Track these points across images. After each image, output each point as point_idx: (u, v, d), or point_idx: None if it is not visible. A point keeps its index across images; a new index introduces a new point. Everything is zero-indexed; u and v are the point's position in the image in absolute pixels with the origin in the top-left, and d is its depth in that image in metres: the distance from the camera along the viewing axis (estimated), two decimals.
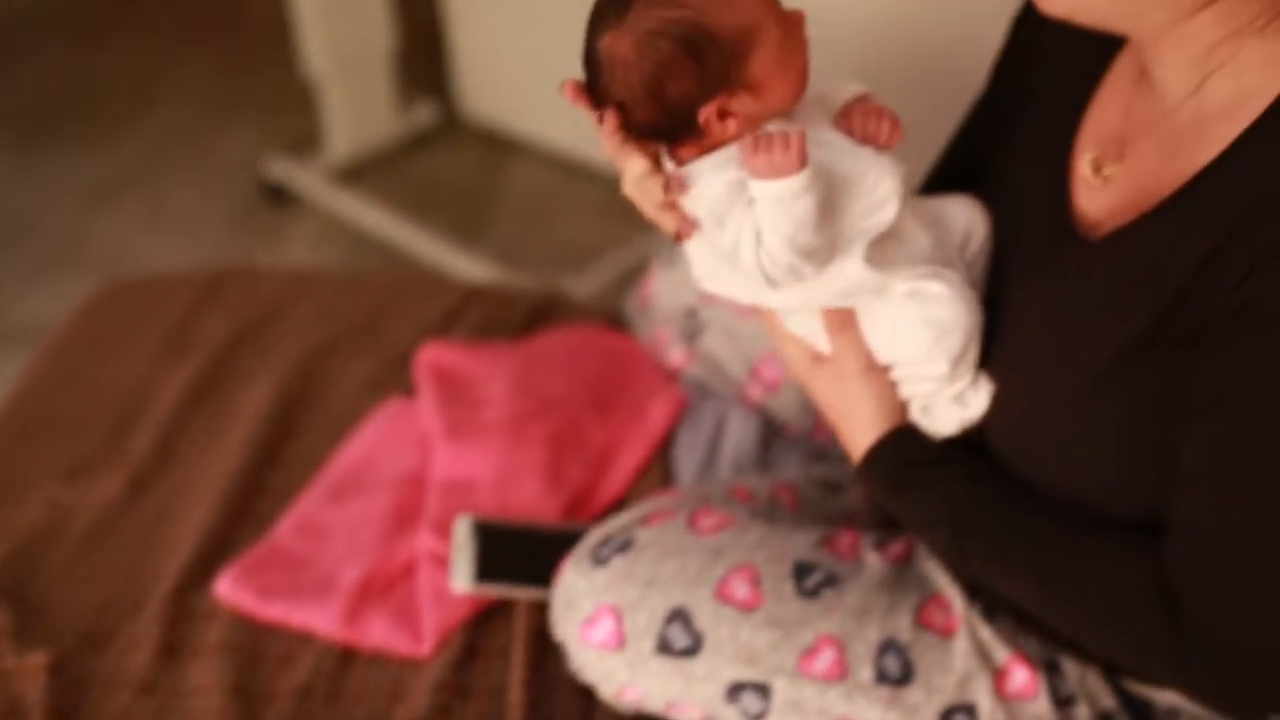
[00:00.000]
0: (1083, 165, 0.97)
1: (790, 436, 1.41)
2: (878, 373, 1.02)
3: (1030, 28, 1.07)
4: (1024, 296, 0.98)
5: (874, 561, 1.11)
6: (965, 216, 1.03)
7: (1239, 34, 0.84)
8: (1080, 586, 0.93)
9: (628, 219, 2.41)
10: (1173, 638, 0.88)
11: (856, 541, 1.13)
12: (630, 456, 1.39)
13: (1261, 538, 0.84)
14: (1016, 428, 0.98)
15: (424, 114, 2.99)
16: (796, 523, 1.18)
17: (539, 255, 2.64)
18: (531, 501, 1.33)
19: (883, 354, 1.02)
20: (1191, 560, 0.86)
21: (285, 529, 1.34)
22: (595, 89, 0.97)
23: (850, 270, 0.97)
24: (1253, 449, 0.83)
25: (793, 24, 0.94)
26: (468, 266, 2.55)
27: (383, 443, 1.42)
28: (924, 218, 1.00)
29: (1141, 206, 0.89)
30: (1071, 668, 1.08)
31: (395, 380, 1.50)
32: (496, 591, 1.24)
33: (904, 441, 1.03)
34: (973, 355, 0.99)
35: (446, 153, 2.96)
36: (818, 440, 1.39)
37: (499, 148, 2.94)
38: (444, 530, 1.29)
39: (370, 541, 1.32)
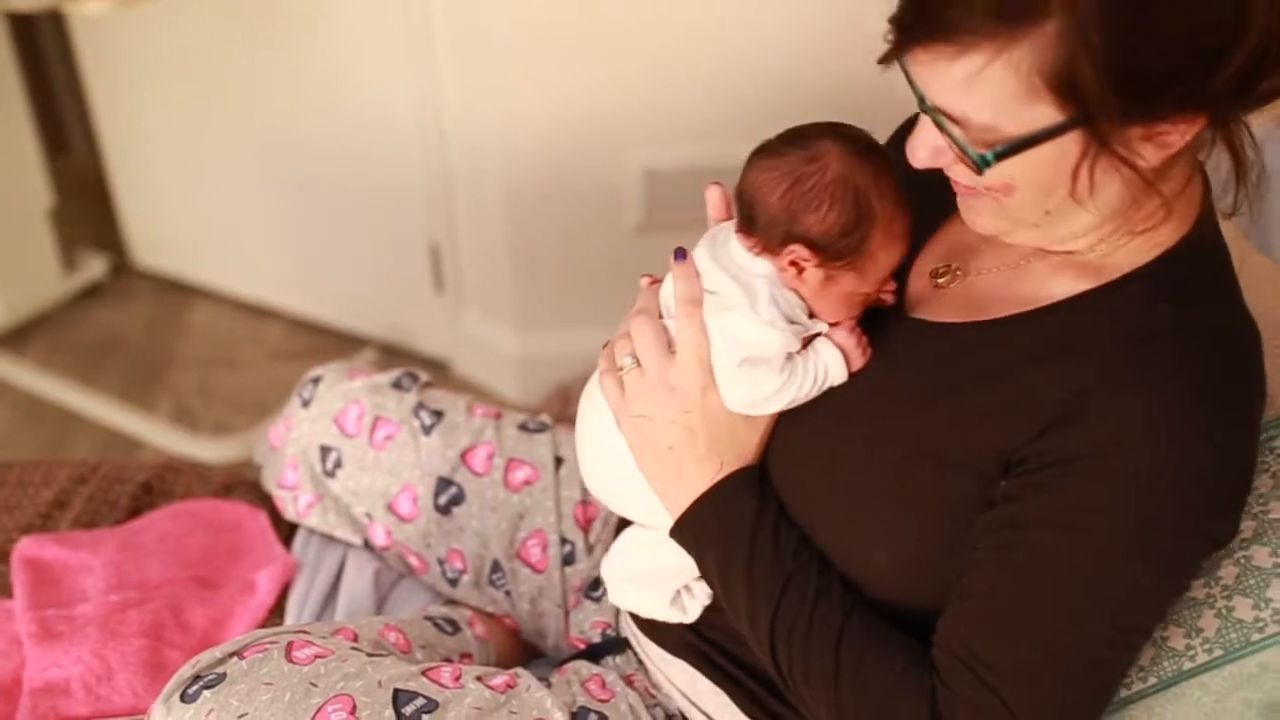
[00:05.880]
0: (924, 270, 1.06)
1: (420, 573, 1.41)
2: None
3: None
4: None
5: (476, 688, 1.10)
6: None
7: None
8: (863, 676, 0.97)
9: (306, 359, 2.38)
10: None
11: (459, 672, 1.12)
12: (239, 632, 1.34)
13: (1029, 668, 0.91)
14: (819, 498, 1.04)
15: (93, 268, 2.90)
16: (403, 660, 1.16)
17: (218, 404, 2.58)
18: (130, 697, 1.27)
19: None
20: (962, 682, 0.93)
21: None
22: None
23: None
24: (1036, 582, 0.91)
25: (887, 283, 1.05)
26: (139, 425, 2.47)
27: None
28: None
29: (971, 313, 0.99)
30: None
31: None
32: None
33: (758, 482, 1.05)
34: None
35: (120, 306, 2.87)
36: (452, 568, 1.38)
37: (173, 296, 2.88)
38: None
39: None
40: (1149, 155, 0.86)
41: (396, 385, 1.43)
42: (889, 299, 1.06)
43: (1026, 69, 0.81)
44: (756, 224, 1.02)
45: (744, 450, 1.05)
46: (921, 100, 0.89)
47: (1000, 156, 0.86)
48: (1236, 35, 0.80)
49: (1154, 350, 0.90)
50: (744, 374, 1.02)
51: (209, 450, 2.39)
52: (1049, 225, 0.94)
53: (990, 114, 0.84)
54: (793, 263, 1.01)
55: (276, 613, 1.38)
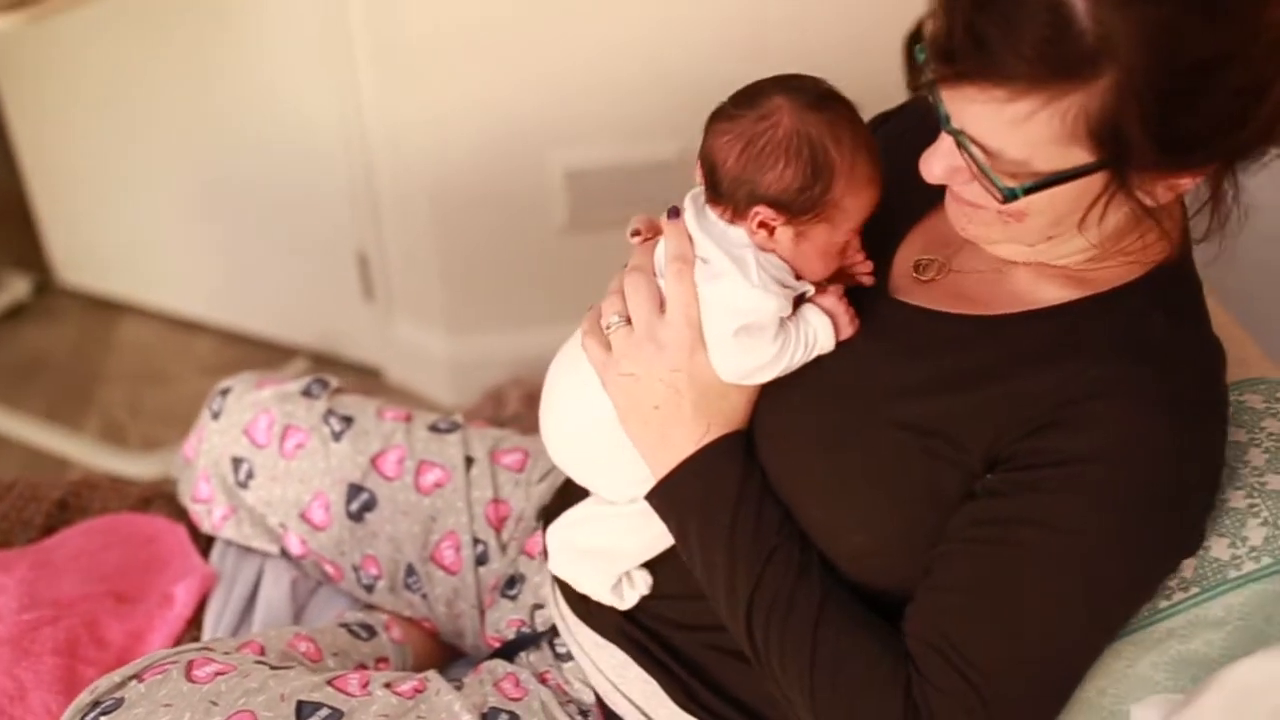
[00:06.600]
0: (909, 259, 1.07)
1: (336, 581, 1.40)
2: None
3: (909, 120, 1.15)
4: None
5: (383, 694, 1.10)
6: None
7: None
8: (840, 658, 0.98)
9: (236, 371, 2.38)
10: None
11: (367, 679, 1.12)
12: (156, 646, 1.34)
13: (1004, 659, 0.93)
14: (800, 467, 1.03)
15: (17, 289, 2.86)
16: (313, 670, 1.16)
17: (148, 420, 2.56)
18: (44, 716, 1.25)
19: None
20: (937, 672, 0.94)
21: None
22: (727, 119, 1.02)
23: None
24: (1018, 576, 0.93)
25: (853, 244, 1.04)
26: (66, 444, 2.45)
27: None
28: None
29: (961, 306, 1.00)
30: None
31: None
32: None
33: (745, 449, 1.05)
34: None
35: (45, 325, 2.84)
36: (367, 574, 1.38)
37: (99, 313, 2.84)
38: None
39: None
40: (1160, 195, 0.89)
41: (306, 393, 1.42)
42: (868, 280, 1.06)
43: (1073, 117, 0.83)
44: (721, 190, 1.01)
45: (732, 414, 1.04)
46: (946, 119, 0.89)
47: (1029, 191, 0.87)
48: (1269, 92, 0.82)
49: (1147, 363, 0.92)
50: (739, 343, 1.01)
51: (138, 466, 2.37)
52: (1046, 247, 0.96)
53: (1025, 152, 0.86)
54: (761, 224, 1.00)
55: (195, 625, 1.37)
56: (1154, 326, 0.95)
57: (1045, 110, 0.83)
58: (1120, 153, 0.84)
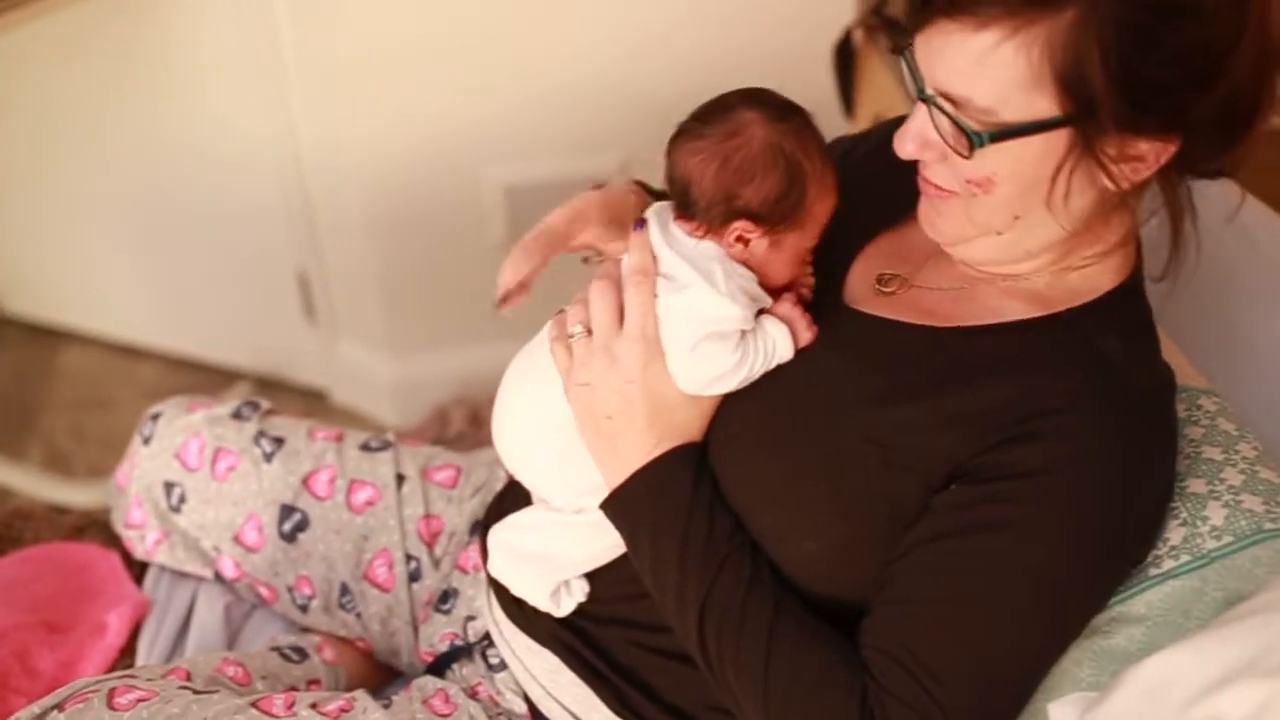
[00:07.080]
0: (869, 273, 1.08)
1: (271, 603, 1.40)
2: None
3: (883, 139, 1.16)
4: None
5: (308, 715, 1.10)
6: None
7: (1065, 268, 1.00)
8: (794, 667, 0.98)
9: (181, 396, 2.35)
10: None
11: (292, 700, 1.12)
12: (90, 674, 1.32)
13: (965, 670, 0.94)
14: (760, 476, 1.04)
15: None
16: (240, 694, 1.15)
17: (93, 446, 2.54)
18: None
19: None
20: (897, 681, 0.94)
21: None
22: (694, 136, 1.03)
23: None
24: (979, 586, 0.94)
25: (806, 256, 1.07)
26: (9, 474, 2.42)
27: None
28: None
29: (923, 318, 1.02)
30: None
31: None
32: None
33: (697, 461, 1.05)
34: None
35: None
36: (301, 595, 1.38)
37: (41, 341, 2.82)
38: None
39: None
40: (1125, 174, 0.91)
41: (236, 415, 1.42)
42: (806, 292, 1.08)
43: (1038, 55, 0.85)
44: (696, 208, 1.03)
45: (686, 427, 1.05)
46: (921, 90, 0.91)
47: (995, 139, 0.89)
48: (1228, 61, 0.85)
49: (1104, 376, 0.95)
50: (700, 353, 1.02)
51: (83, 494, 2.35)
52: (1014, 234, 0.97)
53: (992, 98, 0.88)
54: (739, 238, 1.02)
55: (129, 653, 1.37)
56: (1111, 344, 0.97)
57: (1013, 41, 0.85)
58: (1084, 104, 0.86)
